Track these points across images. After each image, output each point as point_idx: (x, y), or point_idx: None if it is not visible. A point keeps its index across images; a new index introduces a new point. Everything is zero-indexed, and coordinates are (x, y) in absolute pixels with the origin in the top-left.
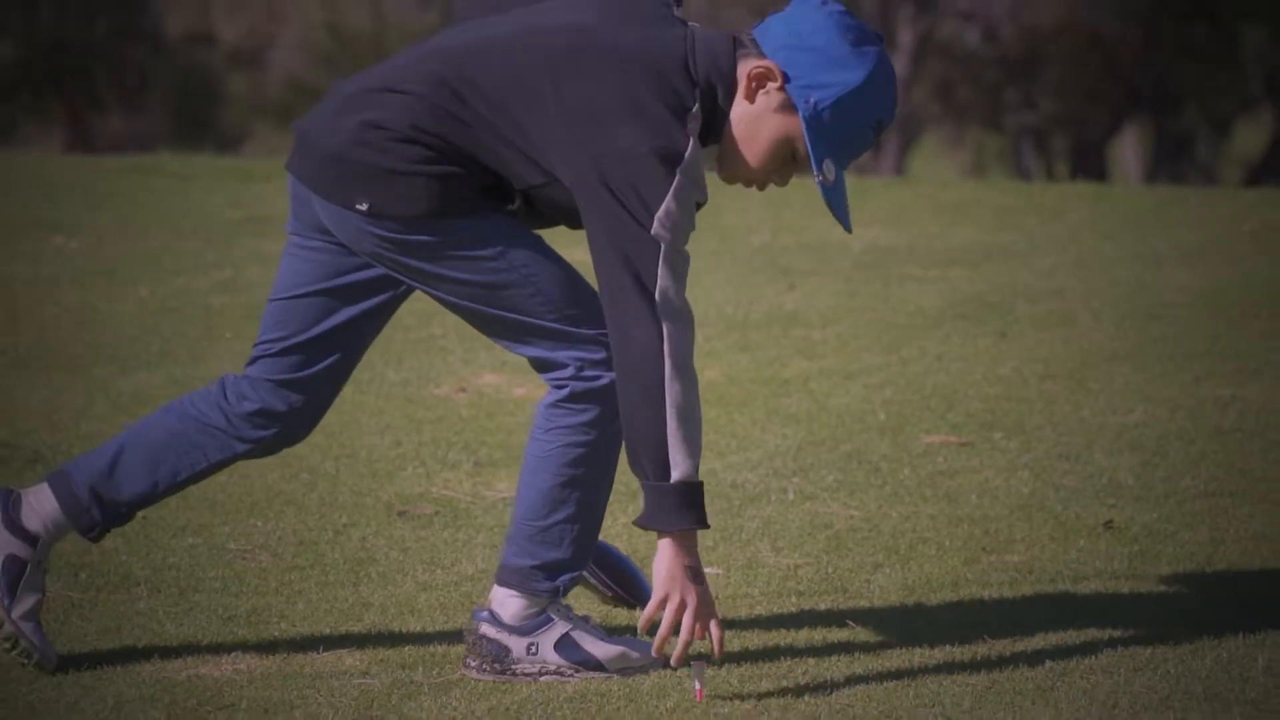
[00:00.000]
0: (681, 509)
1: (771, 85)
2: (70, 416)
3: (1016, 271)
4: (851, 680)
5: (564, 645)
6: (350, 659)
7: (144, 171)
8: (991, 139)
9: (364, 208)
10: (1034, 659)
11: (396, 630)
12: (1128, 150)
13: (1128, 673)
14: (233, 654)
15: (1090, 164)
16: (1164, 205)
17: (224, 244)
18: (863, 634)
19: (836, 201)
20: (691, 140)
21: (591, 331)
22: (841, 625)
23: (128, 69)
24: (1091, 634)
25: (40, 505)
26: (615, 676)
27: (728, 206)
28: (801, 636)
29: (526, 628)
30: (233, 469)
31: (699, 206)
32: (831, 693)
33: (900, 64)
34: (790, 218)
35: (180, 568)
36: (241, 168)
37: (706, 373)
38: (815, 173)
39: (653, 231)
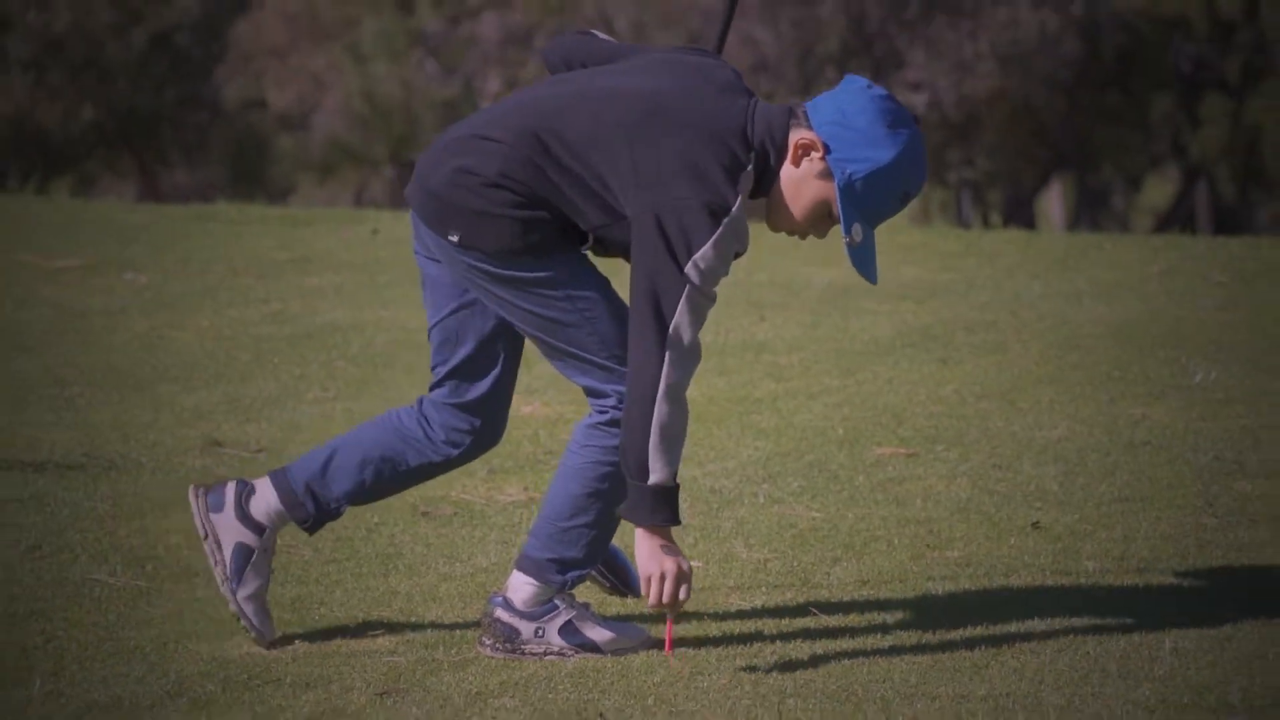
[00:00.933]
0: (655, 507)
1: (815, 155)
2: (138, 429)
3: (956, 306)
4: (814, 659)
5: (567, 630)
6: (380, 639)
7: (204, 218)
8: (936, 192)
9: (455, 239)
10: (971, 641)
11: (420, 615)
12: (1053, 202)
13: (1052, 653)
14: (279, 635)
15: (1021, 214)
16: (1084, 249)
17: (272, 281)
18: (824, 620)
19: (860, 259)
20: (740, 197)
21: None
22: (805, 613)
23: (191, 131)
24: (1021, 619)
25: (264, 498)
26: (609, 657)
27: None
28: (770, 622)
29: (535, 613)
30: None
31: (738, 255)
32: (796, 670)
33: None
34: (762, 258)
35: None
36: (288, 215)
37: (688, 392)
38: (845, 234)
39: (685, 270)
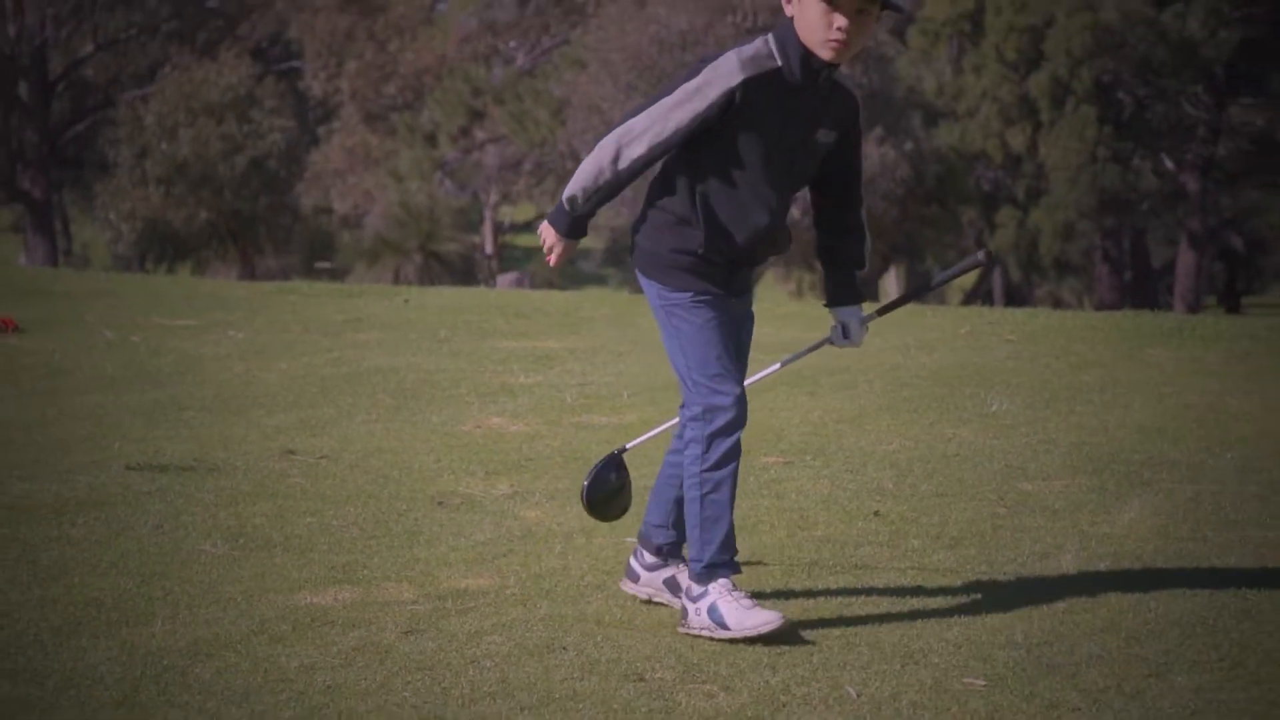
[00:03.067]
0: (558, 211)
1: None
2: (235, 441)
3: (821, 356)
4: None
5: (712, 610)
6: (405, 593)
7: (284, 292)
8: (808, 276)
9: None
10: (822, 594)
11: (435, 576)
12: (891, 282)
13: (888, 603)
14: (332, 589)
15: (868, 290)
16: (912, 316)
17: (332, 337)
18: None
19: None
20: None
21: (708, 397)
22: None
23: (277, 229)
24: (864, 581)
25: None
26: (727, 634)
27: (643, 313)
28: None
29: (694, 595)
30: (321, 483)
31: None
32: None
33: None
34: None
35: (302, 535)
36: (345, 289)
37: (626, 416)
38: None
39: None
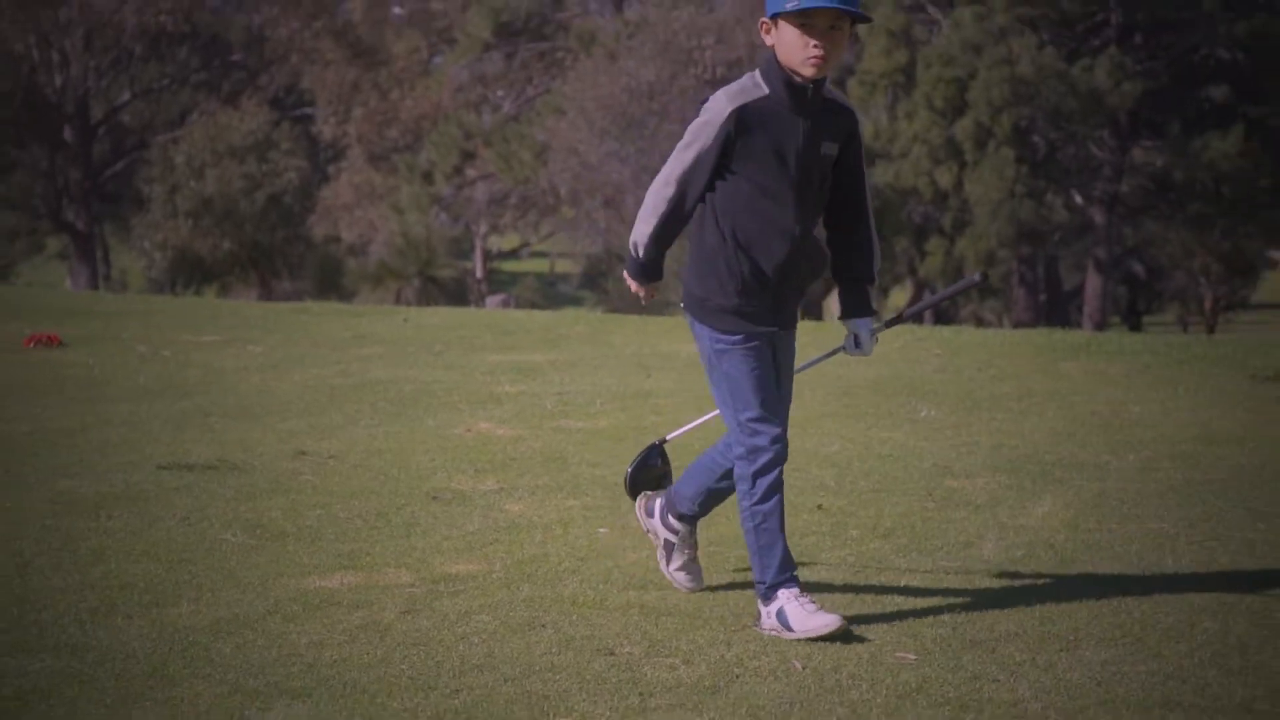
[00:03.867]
0: (628, 261)
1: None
2: (253, 443)
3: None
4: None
5: (780, 614)
6: (403, 577)
7: (298, 312)
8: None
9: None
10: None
11: (430, 562)
12: (834, 302)
13: (827, 576)
14: (338, 574)
15: (814, 311)
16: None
17: (340, 351)
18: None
19: None
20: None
21: (750, 439)
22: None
23: (292, 256)
24: (808, 569)
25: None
26: (793, 635)
27: (615, 330)
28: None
29: (766, 601)
30: (329, 481)
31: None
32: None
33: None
34: (653, 337)
35: (311, 526)
36: (351, 309)
37: (599, 422)
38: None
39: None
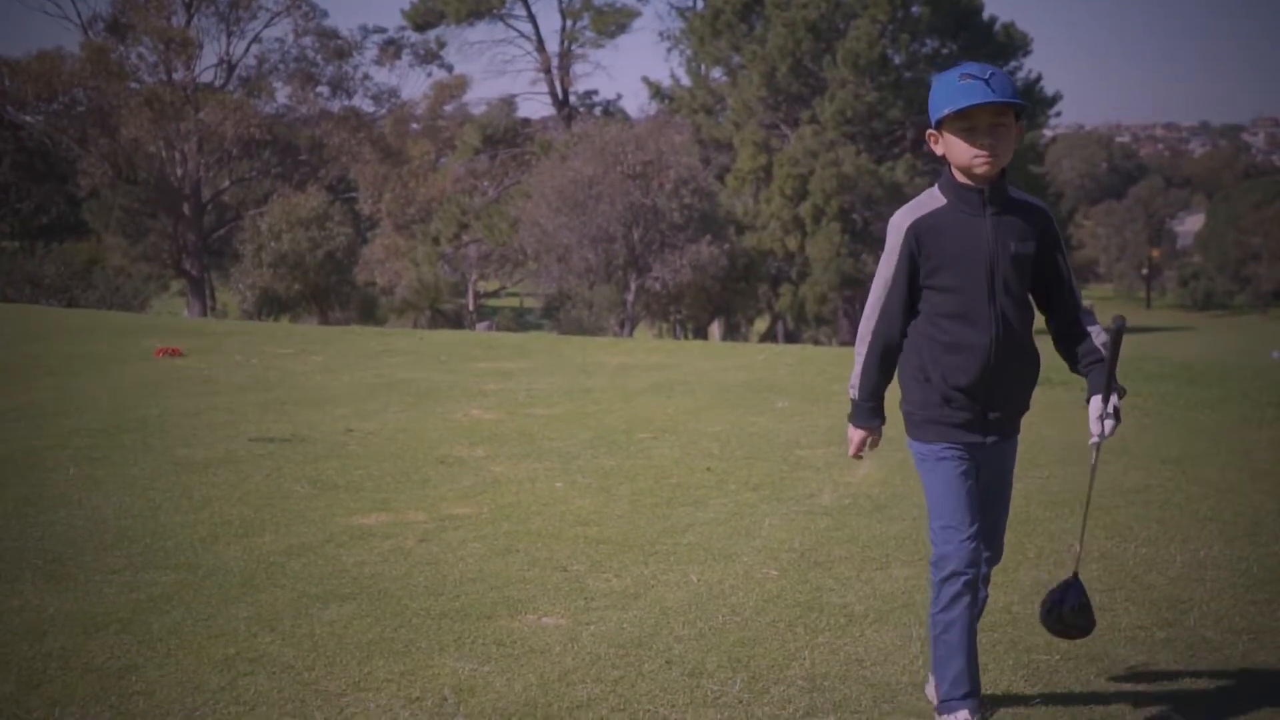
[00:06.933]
0: (851, 408)
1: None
2: (314, 423)
3: (669, 373)
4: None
5: None
6: (419, 517)
7: (347, 334)
8: (662, 327)
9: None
10: (672, 520)
11: (438, 506)
12: (715, 330)
13: (711, 532)
14: (374, 514)
15: (701, 334)
16: (728, 351)
17: (375, 359)
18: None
19: (970, 92)
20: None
21: (939, 546)
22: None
23: (342, 295)
24: (699, 511)
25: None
26: None
27: (565, 346)
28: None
29: (939, 710)
30: (369, 449)
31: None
32: (603, 545)
33: (631, 297)
34: (593, 351)
35: (356, 481)
36: (383, 332)
37: (556, 409)
38: (943, 110)
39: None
